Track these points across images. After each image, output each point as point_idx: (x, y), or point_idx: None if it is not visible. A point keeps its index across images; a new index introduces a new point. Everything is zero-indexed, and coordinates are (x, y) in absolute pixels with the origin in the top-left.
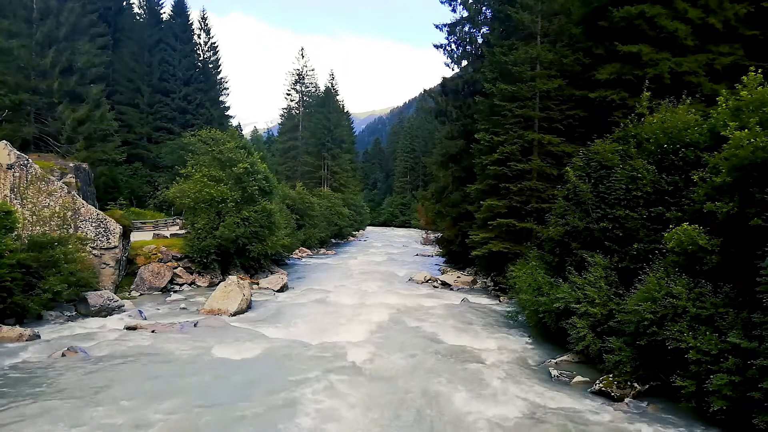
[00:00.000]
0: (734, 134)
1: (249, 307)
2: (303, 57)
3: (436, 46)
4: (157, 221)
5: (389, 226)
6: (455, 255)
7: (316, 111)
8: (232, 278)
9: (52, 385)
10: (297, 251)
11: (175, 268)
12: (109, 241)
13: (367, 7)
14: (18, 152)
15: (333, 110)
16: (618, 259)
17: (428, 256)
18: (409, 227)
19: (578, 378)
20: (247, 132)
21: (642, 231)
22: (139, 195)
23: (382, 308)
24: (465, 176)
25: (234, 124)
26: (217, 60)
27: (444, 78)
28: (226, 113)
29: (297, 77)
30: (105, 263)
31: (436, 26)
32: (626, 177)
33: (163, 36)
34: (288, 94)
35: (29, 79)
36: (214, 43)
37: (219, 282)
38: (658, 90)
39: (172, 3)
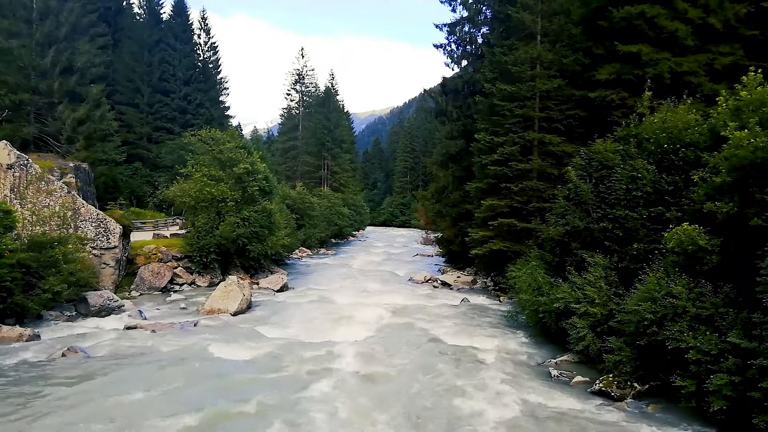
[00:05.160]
0: (734, 134)
1: (249, 307)
2: (303, 57)
3: (436, 46)
4: (157, 221)
5: (389, 226)
6: (455, 255)
7: (316, 111)
8: (232, 278)
9: (52, 385)
10: (297, 251)
11: (175, 268)
12: (109, 241)
13: (368, 7)
14: (18, 152)
15: (333, 110)
16: (618, 259)
17: (428, 256)
18: (409, 227)
19: (578, 378)
20: (247, 132)
21: (642, 231)
22: (139, 195)
23: (381, 308)
24: (465, 176)
25: (234, 124)
26: (217, 60)
27: (444, 78)
28: (226, 113)
29: (297, 77)
30: (105, 263)
31: (436, 26)
32: (626, 177)
33: (163, 36)
34: (288, 94)
35: (29, 79)
36: (214, 43)
37: (219, 282)
38: (658, 90)
39: (172, 3)
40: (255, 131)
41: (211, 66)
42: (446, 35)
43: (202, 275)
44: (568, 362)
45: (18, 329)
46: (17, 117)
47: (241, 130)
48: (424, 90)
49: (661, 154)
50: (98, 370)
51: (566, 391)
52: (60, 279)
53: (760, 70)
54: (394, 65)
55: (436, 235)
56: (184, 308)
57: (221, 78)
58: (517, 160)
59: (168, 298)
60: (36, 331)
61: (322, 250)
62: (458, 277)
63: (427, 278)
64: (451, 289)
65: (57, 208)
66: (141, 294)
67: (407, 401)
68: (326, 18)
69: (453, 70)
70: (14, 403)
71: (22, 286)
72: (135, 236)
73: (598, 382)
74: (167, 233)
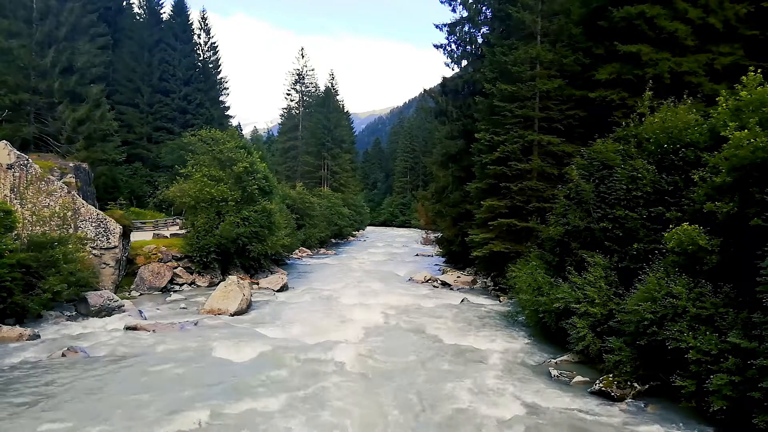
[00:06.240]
0: (734, 134)
1: (249, 307)
2: (303, 57)
3: (436, 46)
4: (157, 221)
5: (389, 226)
6: (455, 255)
7: (316, 111)
8: (232, 278)
9: (52, 385)
10: (297, 251)
11: (175, 268)
12: (109, 241)
13: (368, 7)
14: (18, 152)
15: (333, 110)
16: (618, 259)
17: (428, 256)
18: (409, 227)
19: (578, 378)
20: (247, 132)
21: (642, 231)
22: (139, 195)
23: (381, 308)
24: (465, 176)
25: (234, 124)
26: (217, 60)
27: (444, 78)
28: (226, 113)
29: (297, 77)
30: (105, 263)
31: (436, 26)
32: (626, 177)
33: (163, 36)
34: (288, 94)
35: (29, 79)
36: (214, 42)
37: (219, 282)
38: (658, 90)
39: (172, 3)
40: (255, 131)
41: (211, 66)
42: (446, 35)
43: (202, 275)
44: (568, 362)
45: (18, 329)
46: (17, 117)
47: (241, 130)
48: (424, 90)
49: (661, 154)
50: (98, 370)
51: (566, 391)
52: (60, 279)
53: (760, 70)
54: (394, 65)
55: (436, 235)
56: (184, 308)
57: (221, 78)
58: (517, 160)
59: (168, 298)
60: (36, 331)
61: (322, 250)
62: (458, 277)
63: (428, 278)
64: (451, 289)
65: (57, 208)
66: (141, 294)
67: (407, 400)
68: (326, 18)
69: (453, 70)
70: (14, 403)
71: (22, 286)
72: (135, 236)
73: (598, 382)
74: (167, 233)
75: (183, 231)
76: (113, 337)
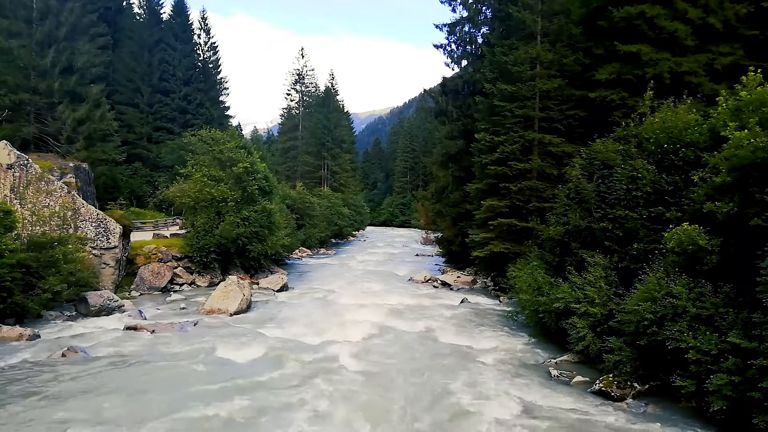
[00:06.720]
0: (734, 134)
1: (249, 307)
2: (303, 57)
3: (436, 46)
4: (157, 221)
5: (389, 226)
6: (455, 255)
7: (316, 111)
8: (232, 278)
9: (52, 385)
10: (297, 251)
11: (175, 268)
12: (109, 241)
13: (368, 7)
14: (18, 152)
15: (333, 110)
16: (618, 259)
17: (428, 256)
18: (409, 227)
19: (578, 378)
20: (247, 132)
21: (642, 231)
22: (139, 195)
23: (381, 308)
24: (465, 176)
25: (234, 124)
26: (217, 60)
27: (444, 78)
28: (226, 113)
29: (297, 77)
30: (105, 263)
31: (436, 26)
32: (626, 177)
33: (163, 36)
34: (288, 94)
35: (29, 79)
36: (214, 42)
37: (219, 282)
38: (658, 90)
39: (172, 3)
40: (255, 131)
41: (211, 66)
42: (446, 35)
43: (202, 275)
44: (568, 362)
45: (18, 329)
46: (17, 117)
47: (241, 130)
48: (424, 90)
49: (661, 154)
50: (98, 370)
51: (566, 391)
52: (60, 279)
53: (760, 70)
54: (394, 65)
55: (436, 235)
56: (184, 308)
57: (221, 78)
58: (517, 160)
59: (168, 298)
60: (36, 331)
61: (322, 250)
62: (458, 277)
63: (427, 278)
64: (451, 289)
65: (57, 208)
66: (141, 294)
67: (407, 401)
68: (326, 18)
69: (453, 70)
70: (14, 403)
71: (22, 286)
72: (135, 236)
73: (598, 382)
74: (167, 233)
75: (183, 231)
76: (113, 337)
